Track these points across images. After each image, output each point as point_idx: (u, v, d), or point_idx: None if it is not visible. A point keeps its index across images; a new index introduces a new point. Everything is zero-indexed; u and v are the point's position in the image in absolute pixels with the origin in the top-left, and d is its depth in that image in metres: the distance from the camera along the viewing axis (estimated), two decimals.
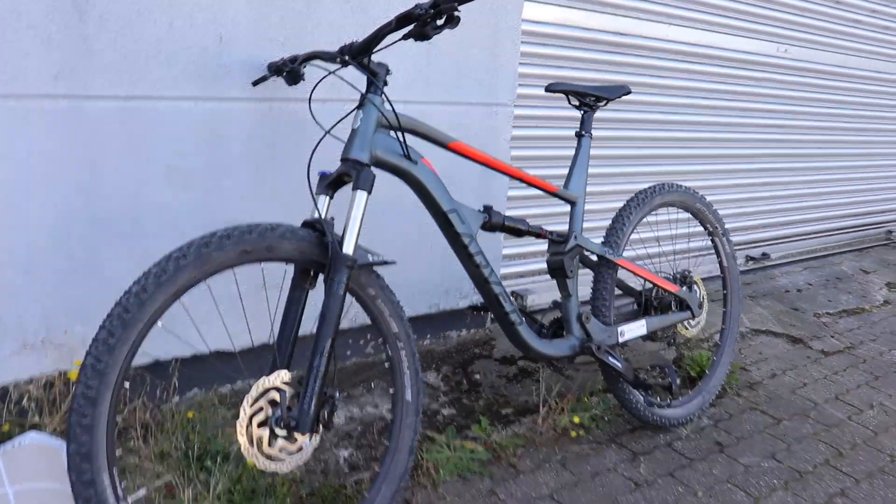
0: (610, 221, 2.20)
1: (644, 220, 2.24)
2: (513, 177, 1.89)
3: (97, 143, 1.79)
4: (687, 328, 2.37)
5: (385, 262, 1.59)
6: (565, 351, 2.02)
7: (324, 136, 1.62)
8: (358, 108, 1.60)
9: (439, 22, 1.44)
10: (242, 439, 1.39)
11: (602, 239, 2.18)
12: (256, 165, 2.04)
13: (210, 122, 1.93)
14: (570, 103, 2.12)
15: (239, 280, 1.95)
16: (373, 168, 1.58)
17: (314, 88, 1.69)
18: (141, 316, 1.28)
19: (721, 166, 3.73)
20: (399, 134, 1.63)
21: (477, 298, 2.66)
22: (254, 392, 1.41)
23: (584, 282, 2.16)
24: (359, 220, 1.52)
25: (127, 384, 1.96)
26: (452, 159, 1.96)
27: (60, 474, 1.61)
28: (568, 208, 2.09)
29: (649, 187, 2.26)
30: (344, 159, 1.57)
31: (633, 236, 2.21)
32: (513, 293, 2.85)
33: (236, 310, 2.02)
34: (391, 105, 1.60)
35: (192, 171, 1.93)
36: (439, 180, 1.71)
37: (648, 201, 2.23)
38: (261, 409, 1.41)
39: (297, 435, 1.44)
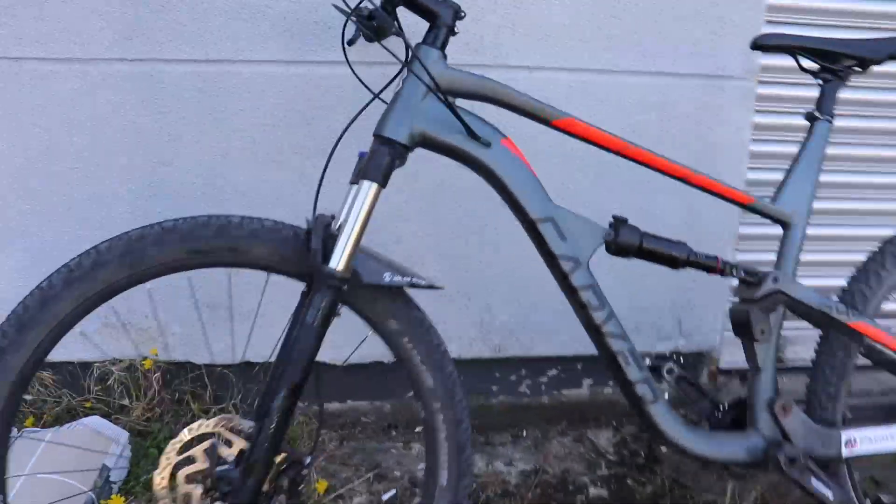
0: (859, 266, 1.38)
1: None
2: (666, 173, 1.23)
3: (174, 112, 1.59)
4: None
5: (415, 285, 1.11)
6: (736, 453, 1.27)
7: (371, 101, 1.20)
8: (404, 66, 1.14)
9: None
10: (162, 493, 1.05)
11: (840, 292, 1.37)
12: (363, 142, 1.66)
13: (305, 89, 1.61)
14: (801, 68, 1.34)
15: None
16: (420, 150, 1.12)
17: (343, 33, 1.27)
18: (41, 318, 1.01)
19: None
20: (457, 102, 1.12)
21: None
22: (185, 434, 1.05)
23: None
24: (360, 221, 1.07)
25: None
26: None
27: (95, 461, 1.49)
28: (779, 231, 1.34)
29: None
30: (375, 136, 1.13)
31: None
32: None
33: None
34: (444, 58, 1.10)
35: (282, 147, 1.64)
36: (527, 172, 1.15)
37: None
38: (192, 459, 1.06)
39: None
